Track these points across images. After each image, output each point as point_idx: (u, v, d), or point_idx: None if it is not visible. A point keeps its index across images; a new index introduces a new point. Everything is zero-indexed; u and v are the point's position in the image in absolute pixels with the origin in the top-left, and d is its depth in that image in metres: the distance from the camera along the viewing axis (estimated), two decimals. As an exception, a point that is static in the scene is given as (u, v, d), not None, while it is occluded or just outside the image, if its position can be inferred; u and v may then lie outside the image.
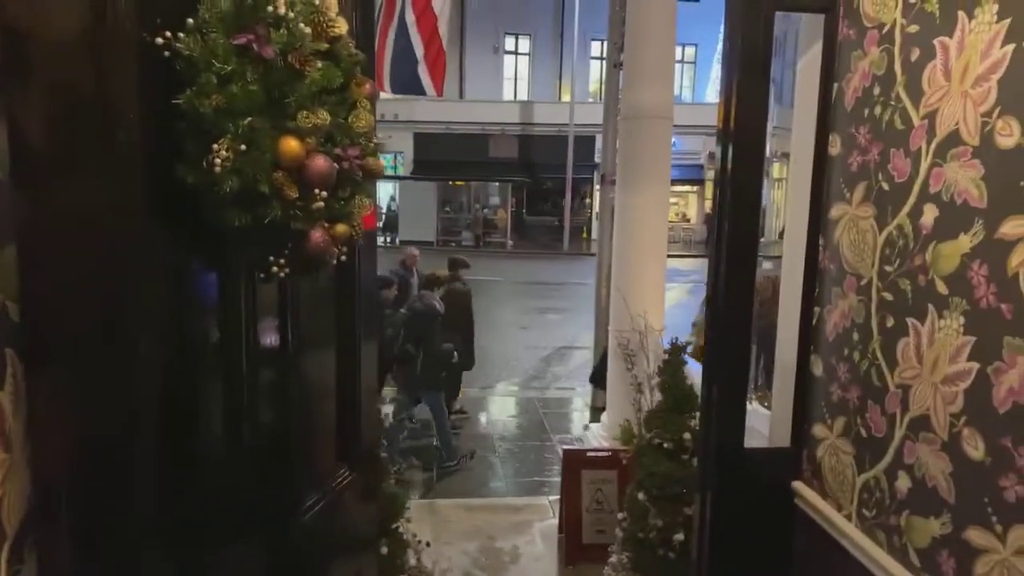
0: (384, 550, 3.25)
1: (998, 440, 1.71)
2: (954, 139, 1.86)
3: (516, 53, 27.90)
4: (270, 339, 1.92)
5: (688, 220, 27.87)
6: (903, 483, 2.06)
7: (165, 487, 1.51)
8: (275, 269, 1.54)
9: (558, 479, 5.11)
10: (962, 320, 1.83)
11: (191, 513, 1.62)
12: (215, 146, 1.38)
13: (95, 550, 1.45)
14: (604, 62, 9.32)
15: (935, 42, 1.94)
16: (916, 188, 2.01)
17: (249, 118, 1.40)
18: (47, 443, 1.39)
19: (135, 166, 1.40)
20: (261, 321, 1.84)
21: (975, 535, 1.78)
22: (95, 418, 1.42)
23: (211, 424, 1.72)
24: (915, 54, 2.03)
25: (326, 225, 1.58)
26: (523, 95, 27.61)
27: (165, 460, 1.51)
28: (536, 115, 25.70)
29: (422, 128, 24.82)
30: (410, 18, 8.20)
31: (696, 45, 26.84)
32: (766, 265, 5.89)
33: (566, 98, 26.21)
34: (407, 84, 8.53)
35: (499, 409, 8.42)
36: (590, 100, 26.02)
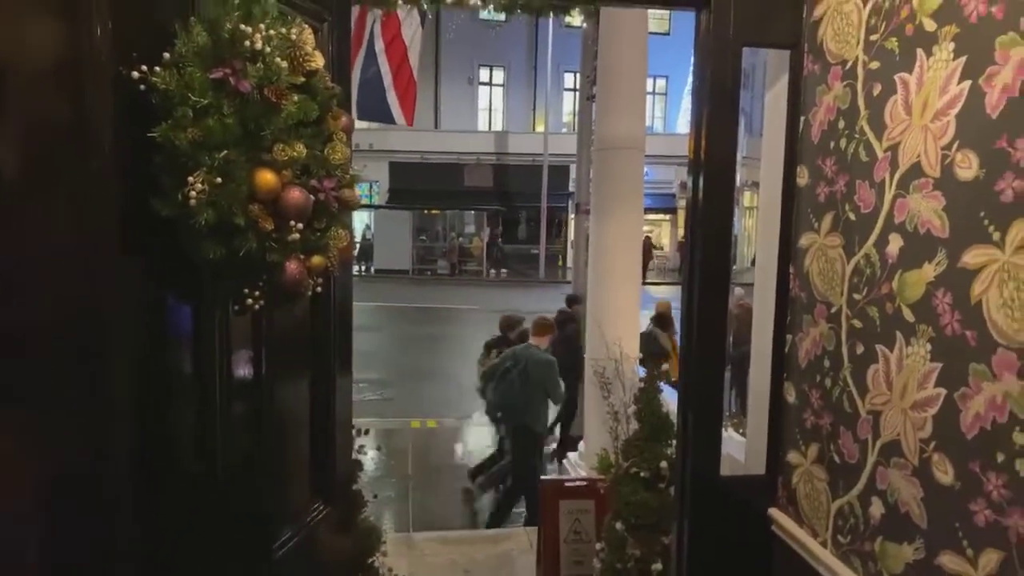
0: (359, 585, 3.19)
1: (967, 465, 1.74)
2: (916, 171, 1.92)
3: (491, 84, 28.20)
4: (244, 371, 1.90)
5: (661, 248, 28.12)
6: (876, 509, 2.08)
7: (138, 524, 1.48)
8: (250, 301, 1.53)
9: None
10: (929, 347, 1.87)
11: (164, 550, 1.58)
12: (191, 178, 1.38)
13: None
14: (577, 93, 9.43)
15: (896, 78, 2.01)
16: (881, 218, 2.06)
17: (225, 151, 1.40)
18: (18, 482, 1.36)
19: (110, 198, 1.40)
20: (235, 353, 1.82)
21: (948, 560, 1.80)
22: (67, 455, 1.39)
23: (184, 459, 1.69)
24: (877, 89, 2.10)
25: (301, 257, 1.58)
26: (497, 125, 27.87)
27: (138, 497, 1.48)
28: (511, 145, 25.92)
29: (397, 158, 24.87)
30: (379, 46, 8.13)
31: (667, 76, 27.35)
32: (737, 291, 5.96)
33: (540, 128, 26.49)
34: (374, 111, 8.47)
35: (475, 439, 8.34)
36: (564, 130, 26.33)
